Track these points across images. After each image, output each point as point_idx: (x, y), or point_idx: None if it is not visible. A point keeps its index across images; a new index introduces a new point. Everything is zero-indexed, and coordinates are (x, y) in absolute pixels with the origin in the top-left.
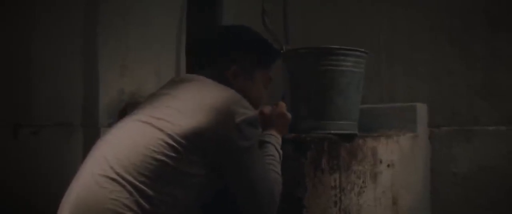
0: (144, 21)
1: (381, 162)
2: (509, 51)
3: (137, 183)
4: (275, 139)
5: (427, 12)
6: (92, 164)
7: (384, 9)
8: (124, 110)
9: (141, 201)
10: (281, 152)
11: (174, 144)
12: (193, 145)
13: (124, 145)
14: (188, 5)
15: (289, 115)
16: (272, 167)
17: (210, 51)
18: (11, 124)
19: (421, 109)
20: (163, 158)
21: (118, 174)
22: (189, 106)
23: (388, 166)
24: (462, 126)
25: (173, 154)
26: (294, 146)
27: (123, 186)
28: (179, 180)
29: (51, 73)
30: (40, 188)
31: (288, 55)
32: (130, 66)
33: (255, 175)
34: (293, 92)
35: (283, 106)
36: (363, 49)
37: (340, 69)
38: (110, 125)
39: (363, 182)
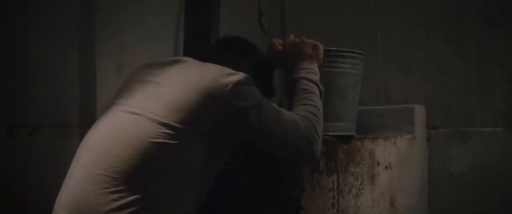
0: (140, 19)
1: (378, 163)
2: (504, 50)
3: (134, 179)
4: (304, 71)
5: (423, 10)
6: (86, 160)
7: (380, 9)
8: None
9: (139, 195)
10: (315, 79)
11: (171, 131)
12: (190, 128)
13: (118, 139)
14: (185, 3)
15: (308, 40)
16: (307, 102)
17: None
18: (7, 125)
19: (419, 110)
20: (160, 147)
21: (116, 172)
22: (177, 90)
23: (386, 167)
24: (459, 127)
25: (171, 141)
26: None
27: (120, 182)
28: (178, 167)
29: (47, 72)
30: (36, 188)
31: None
32: (127, 65)
33: (276, 129)
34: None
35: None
36: (360, 51)
37: (338, 71)
38: None
39: (360, 183)
